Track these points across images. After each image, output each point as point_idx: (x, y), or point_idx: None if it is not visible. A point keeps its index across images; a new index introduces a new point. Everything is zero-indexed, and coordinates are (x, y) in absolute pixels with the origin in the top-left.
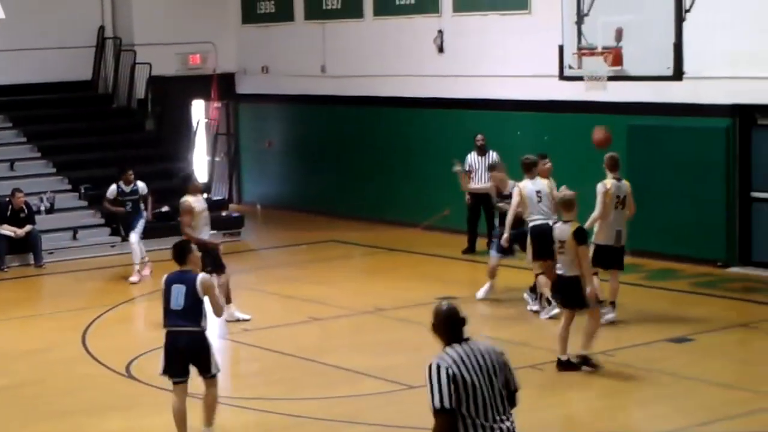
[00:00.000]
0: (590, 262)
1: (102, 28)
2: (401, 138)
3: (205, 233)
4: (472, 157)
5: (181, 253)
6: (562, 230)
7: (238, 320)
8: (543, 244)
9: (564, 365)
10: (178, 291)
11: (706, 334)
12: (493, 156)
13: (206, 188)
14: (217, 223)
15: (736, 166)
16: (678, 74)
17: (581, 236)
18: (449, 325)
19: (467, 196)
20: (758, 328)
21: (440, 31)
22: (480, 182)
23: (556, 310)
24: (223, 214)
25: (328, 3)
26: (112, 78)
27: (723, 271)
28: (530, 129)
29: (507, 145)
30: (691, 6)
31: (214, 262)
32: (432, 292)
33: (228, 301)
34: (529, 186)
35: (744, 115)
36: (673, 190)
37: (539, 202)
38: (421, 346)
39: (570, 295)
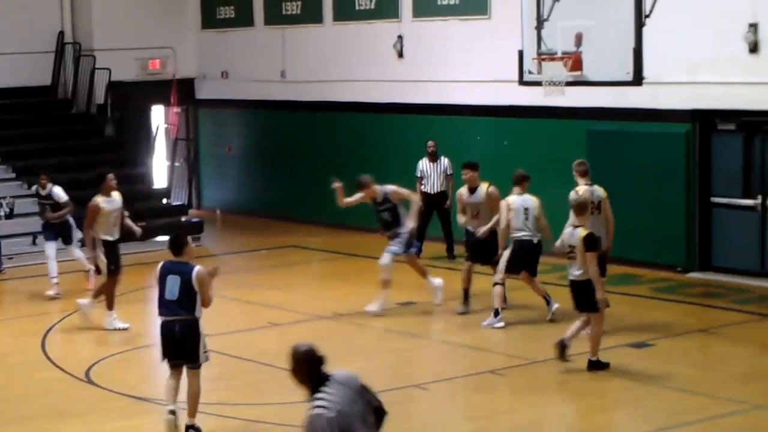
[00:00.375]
0: (598, 268)
1: (61, 33)
2: (361, 143)
3: (115, 233)
4: (424, 164)
5: (177, 244)
6: (573, 235)
7: (116, 329)
8: (521, 258)
9: (561, 348)
10: (173, 282)
11: (666, 339)
12: (444, 162)
13: (166, 193)
14: (176, 229)
15: (696, 172)
16: (638, 79)
17: (591, 242)
18: (311, 368)
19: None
20: (718, 334)
21: (400, 36)
22: (433, 188)
23: (501, 324)
24: (183, 219)
25: (288, 8)
26: (71, 83)
27: (683, 276)
28: (490, 134)
29: (466, 150)
30: (650, 11)
31: (114, 262)
32: (391, 297)
33: (110, 307)
34: (517, 201)
35: (704, 120)
36: (633, 196)
37: (526, 219)
38: (380, 351)
39: (581, 298)
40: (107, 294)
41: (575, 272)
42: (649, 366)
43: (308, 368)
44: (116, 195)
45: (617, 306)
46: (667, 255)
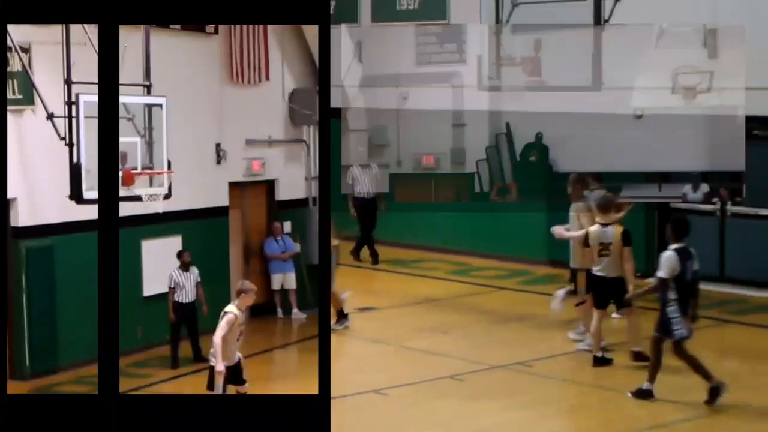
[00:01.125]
0: (633, 263)
1: None
2: None
3: None
4: (356, 170)
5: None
6: (604, 233)
7: None
8: None
9: (599, 361)
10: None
11: (625, 344)
12: (374, 167)
13: None
14: None
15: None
16: (596, 84)
17: (629, 238)
18: None
19: (352, 210)
20: None
21: (359, 41)
22: (369, 192)
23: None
24: None
25: None
26: None
27: (642, 281)
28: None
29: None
30: (609, 17)
31: None
32: (352, 302)
33: None
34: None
35: None
36: None
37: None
38: (339, 357)
39: (612, 296)
40: None
41: (606, 269)
42: (609, 371)
43: None
44: None
45: (573, 312)
46: None
